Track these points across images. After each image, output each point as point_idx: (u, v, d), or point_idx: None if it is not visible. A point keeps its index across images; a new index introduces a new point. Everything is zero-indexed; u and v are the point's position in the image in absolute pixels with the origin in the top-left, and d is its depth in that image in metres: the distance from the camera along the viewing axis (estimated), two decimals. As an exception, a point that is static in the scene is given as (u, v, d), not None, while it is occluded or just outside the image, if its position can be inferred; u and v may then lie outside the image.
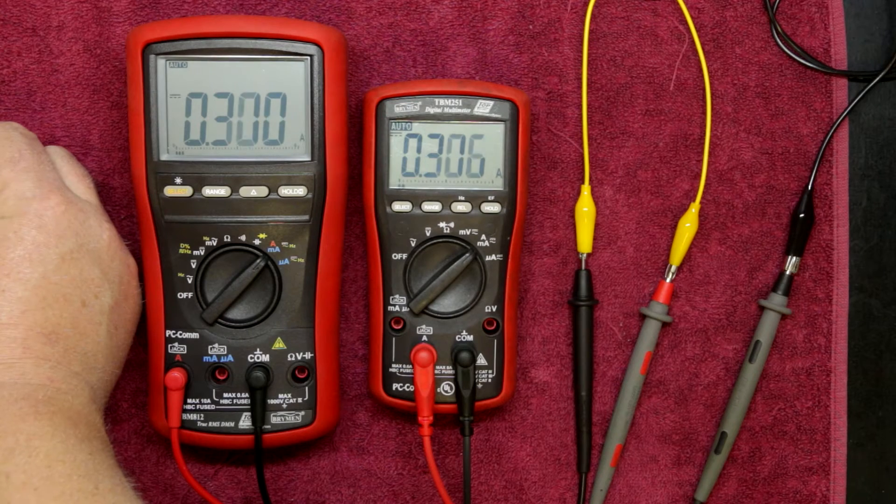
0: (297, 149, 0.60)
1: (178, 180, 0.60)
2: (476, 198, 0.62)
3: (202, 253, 0.61)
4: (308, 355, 0.62)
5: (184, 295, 0.61)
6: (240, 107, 0.60)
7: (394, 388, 0.64)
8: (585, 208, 0.67)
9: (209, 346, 0.61)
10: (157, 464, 0.66)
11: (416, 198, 0.62)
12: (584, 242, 0.67)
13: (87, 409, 0.52)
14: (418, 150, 0.62)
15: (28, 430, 0.48)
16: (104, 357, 0.56)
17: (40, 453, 0.47)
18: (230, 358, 0.62)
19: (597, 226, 0.67)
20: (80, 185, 0.59)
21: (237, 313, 0.61)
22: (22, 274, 0.53)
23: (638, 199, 0.67)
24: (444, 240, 0.63)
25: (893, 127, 0.69)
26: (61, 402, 0.51)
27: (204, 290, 0.61)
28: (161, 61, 0.59)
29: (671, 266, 0.67)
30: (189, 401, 0.62)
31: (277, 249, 0.61)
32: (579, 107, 0.67)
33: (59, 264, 0.54)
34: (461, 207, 0.62)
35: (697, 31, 0.67)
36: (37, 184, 0.55)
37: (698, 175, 0.68)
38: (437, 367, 0.63)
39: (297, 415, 0.62)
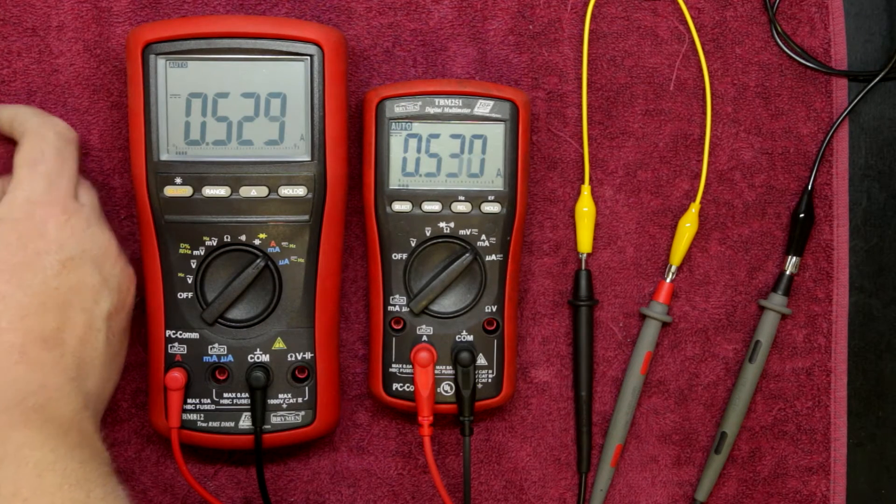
0: (297, 149, 0.60)
1: (178, 180, 0.60)
2: (476, 198, 0.62)
3: (202, 253, 0.61)
4: (308, 355, 0.62)
5: (184, 295, 0.61)
6: (240, 107, 0.60)
7: (394, 388, 0.64)
8: (585, 208, 0.67)
9: (209, 346, 0.61)
10: (157, 464, 0.66)
11: (416, 198, 0.62)
12: (584, 242, 0.67)
13: (79, 415, 0.52)
14: (418, 150, 0.62)
15: (18, 440, 0.47)
16: (101, 364, 0.56)
17: (30, 463, 0.46)
18: (230, 358, 0.62)
19: (597, 226, 0.67)
20: (87, 194, 0.59)
21: (237, 313, 0.61)
22: (23, 280, 0.53)
23: (638, 199, 0.67)
24: (444, 240, 0.63)
25: (893, 127, 0.69)
26: (52, 410, 0.50)
27: (204, 290, 0.61)
28: (161, 61, 0.59)
29: (671, 266, 0.67)
30: (189, 401, 0.62)
31: (277, 249, 0.61)
32: (579, 107, 0.67)
33: (59, 270, 0.54)
34: (461, 207, 0.62)
35: (697, 31, 0.67)
36: (47, 189, 0.56)
37: (698, 175, 0.68)
38: (437, 367, 0.63)
39: (297, 415, 0.62)
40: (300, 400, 0.62)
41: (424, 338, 0.64)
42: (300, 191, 0.60)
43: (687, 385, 0.68)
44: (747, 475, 0.69)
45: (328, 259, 0.62)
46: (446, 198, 0.62)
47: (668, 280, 0.67)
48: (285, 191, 0.60)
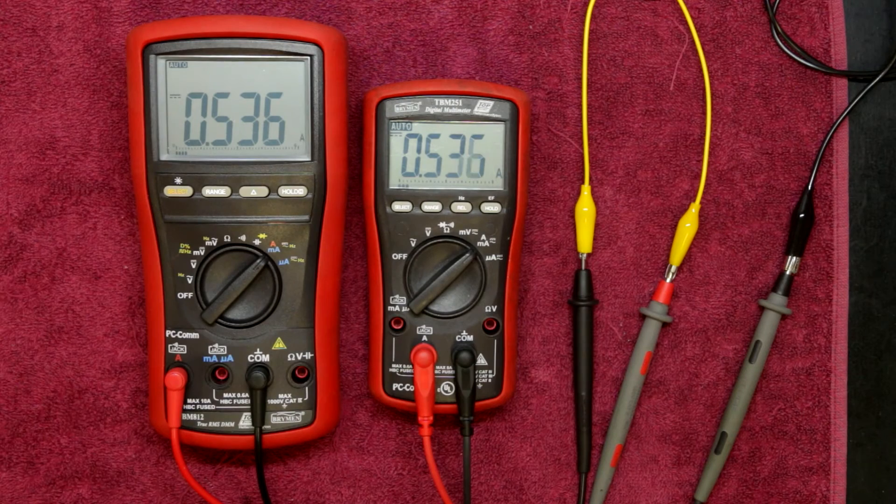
0: (297, 149, 0.60)
1: (178, 180, 0.60)
2: (476, 198, 0.62)
3: (202, 253, 0.61)
4: (308, 355, 0.62)
5: (184, 295, 0.61)
6: (240, 107, 0.60)
7: (394, 388, 0.64)
8: (585, 208, 0.67)
9: (209, 346, 0.61)
10: (157, 464, 0.66)
11: (416, 198, 0.62)
12: (584, 242, 0.67)
13: None
14: (418, 150, 0.62)
15: None
16: None
17: None
18: (230, 358, 0.62)
19: (597, 226, 0.67)
20: None
21: (237, 313, 0.61)
22: None
23: (638, 199, 0.67)
24: (444, 240, 0.63)
25: (893, 127, 0.69)
26: None
27: (204, 290, 0.61)
28: (161, 61, 0.59)
29: (671, 266, 0.67)
30: (189, 401, 0.62)
31: (277, 249, 0.61)
32: (579, 107, 0.67)
33: None
34: (461, 207, 0.62)
35: (697, 31, 0.67)
36: None
37: (698, 175, 0.68)
38: (437, 367, 0.63)
39: (297, 415, 0.62)
40: (300, 400, 0.62)
41: (424, 338, 0.63)
42: (300, 191, 0.60)
43: (687, 385, 0.68)
44: (747, 475, 0.69)
45: (328, 259, 0.62)
46: (446, 198, 0.62)
47: (668, 280, 0.67)
48: (285, 191, 0.60)
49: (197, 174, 0.60)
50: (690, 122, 0.67)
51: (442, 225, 0.63)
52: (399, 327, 0.64)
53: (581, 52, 0.66)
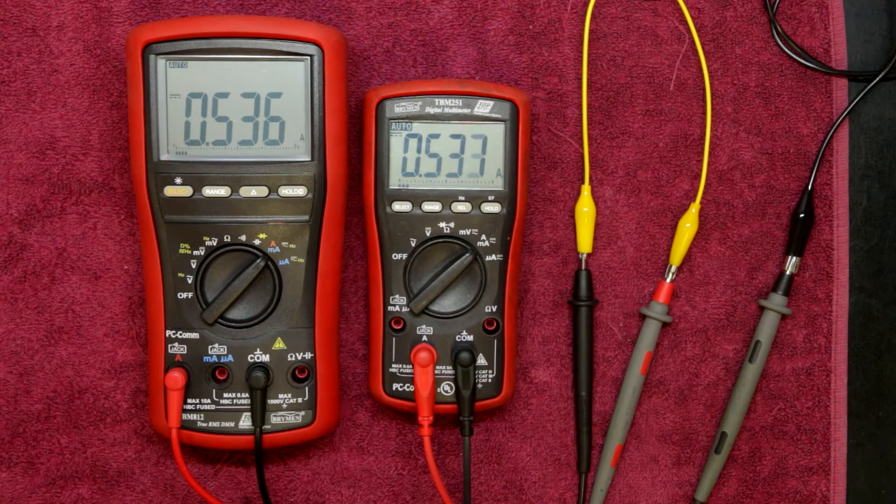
0: (297, 149, 0.60)
1: (178, 180, 0.60)
2: (476, 198, 0.62)
3: (202, 253, 0.61)
4: (308, 355, 0.62)
5: (184, 295, 0.61)
6: (240, 107, 0.60)
7: (394, 388, 0.64)
8: (585, 208, 0.67)
9: (209, 346, 0.61)
10: (157, 464, 0.66)
11: (416, 198, 0.62)
12: (584, 242, 0.67)
13: None
14: (418, 150, 0.62)
15: None
16: None
17: None
18: (230, 358, 0.62)
19: (597, 226, 0.67)
20: None
21: (237, 313, 0.61)
22: None
23: (638, 199, 0.67)
24: (444, 240, 0.63)
25: (893, 127, 0.69)
26: None
27: (204, 290, 0.61)
28: (161, 61, 0.59)
29: (671, 266, 0.67)
30: (189, 401, 0.62)
31: (277, 249, 0.61)
32: (579, 107, 0.67)
33: None
34: (461, 207, 0.62)
35: (697, 31, 0.67)
36: None
37: (698, 175, 0.68)
38: (437, 367, 0.63)
39: (297, 415, 0.62)
40: (300, 400, 0.62)
41: (424, 338, 0.63)
42: (300, 191, 0.60)
43: (687, 385, 0.68)
44: (747, 475, 0.69)
45: (328, 259, 0.62)
46: (446, 198, 0.62)
47: (668, 280, 0.67)
48: (285, 191, 0.60)
49: (197, 174, 0.60)
50: (690, 122, 0.67)
51: (442, 225, 0.63)
52: (399, 327, 0.64)
53: (581, 52, 0.66)
